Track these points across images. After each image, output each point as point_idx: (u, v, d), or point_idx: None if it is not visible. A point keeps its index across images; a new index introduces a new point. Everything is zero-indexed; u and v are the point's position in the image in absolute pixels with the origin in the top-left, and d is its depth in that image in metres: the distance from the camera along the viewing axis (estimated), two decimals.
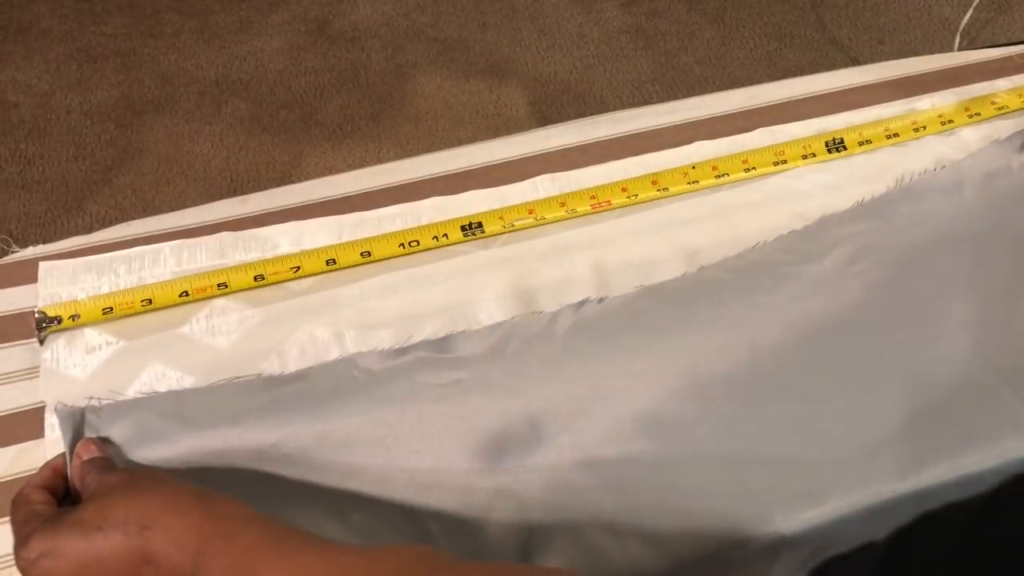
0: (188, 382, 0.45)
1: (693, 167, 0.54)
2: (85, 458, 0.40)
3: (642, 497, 0.42)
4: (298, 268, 0.49)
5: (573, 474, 0.42)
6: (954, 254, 0.49)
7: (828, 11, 1.48)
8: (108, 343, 0.46)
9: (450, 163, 0.55)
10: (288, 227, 0.51)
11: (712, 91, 0.60)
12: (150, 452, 0.41)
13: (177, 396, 0.44)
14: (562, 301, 0.48)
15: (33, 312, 0.46)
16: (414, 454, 0.42)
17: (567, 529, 0.41)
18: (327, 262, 0.49)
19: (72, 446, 0.41)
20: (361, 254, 0.50)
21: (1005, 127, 0.56)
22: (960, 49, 0.81)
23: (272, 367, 0.46)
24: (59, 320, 0.46)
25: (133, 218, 0.52)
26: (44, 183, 1.21)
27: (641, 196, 0.53)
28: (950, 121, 0.56)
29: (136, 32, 1.40)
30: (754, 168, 0.54)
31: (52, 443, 0.43)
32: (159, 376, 0.45)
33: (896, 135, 0.56)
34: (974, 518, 0.41)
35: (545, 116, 1.31)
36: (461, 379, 0.44)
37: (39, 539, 0.34)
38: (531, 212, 0.52)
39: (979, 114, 0.57)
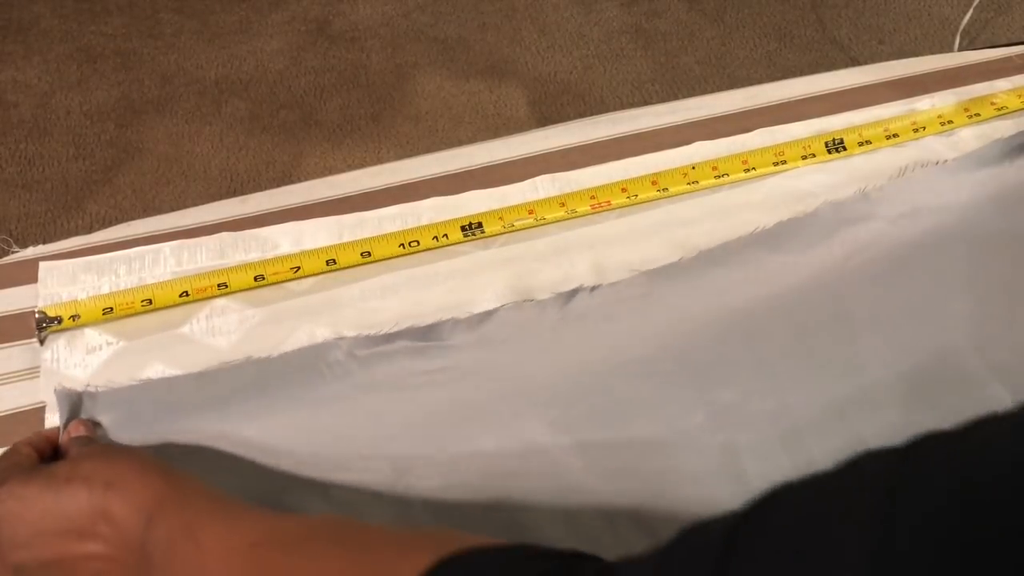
0: None
1: (693, 167, 0.54)
2: (74, 435, 0.41)
3: (634, 482, 0.42)
4: (298, 268, 0.49)
5: (565, 457, 0.42)
6: (952, 252, 0.50)
7: (828, 11, 1.48)
8: (108, 343, 0.46)
9: (450, 163, 0.55)
10: (288, 227, 0.51)
11: (712, 91, 0.60)
12: (135, 434, 0.43)
13: (168, 383, 0.44)
14: None
15: (33, 312, 0.46)
16: (395, 439, 0.43)
17: (558, 512, 0.41)
18: (327, 262, 0.49)
19: (65, 424, 0.42)
20: (361, 254, 0.50)
21: (1005, 127, 0.56)
22: (960, 49, 0.81)
23: None
24: (59, 320, 0.46)
25: (133, 218, 0.52)
26: (44, 183, 1.21)
27: (641, 196, 0.53)
28: (950, 122, 0.56)
29: (136, 32, 1.40)
30: (754, 168, 0.54)
31: None
32: (159, 376, 0.45)
33: (896, 135, 0.56)
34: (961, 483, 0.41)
35: (545, 116, 1.31)
36: (447, 366, 0.45)
37: (12, 483, 0.36)
38: (531, 212, 0.52)
39: (979, 114, 0.57)
